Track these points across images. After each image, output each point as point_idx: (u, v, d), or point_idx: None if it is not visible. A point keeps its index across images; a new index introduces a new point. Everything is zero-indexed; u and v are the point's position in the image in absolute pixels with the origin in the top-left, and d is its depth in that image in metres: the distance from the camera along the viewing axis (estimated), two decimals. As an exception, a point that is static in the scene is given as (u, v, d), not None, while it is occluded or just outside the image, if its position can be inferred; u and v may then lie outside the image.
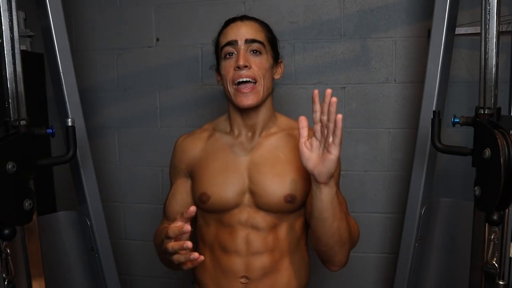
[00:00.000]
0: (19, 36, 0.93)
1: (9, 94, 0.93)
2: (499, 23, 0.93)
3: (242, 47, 1.04)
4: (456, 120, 1.02)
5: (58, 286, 1.38)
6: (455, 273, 1.36)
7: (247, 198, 1.06)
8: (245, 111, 1.08)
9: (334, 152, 0.86)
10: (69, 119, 1.06)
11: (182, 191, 1.15)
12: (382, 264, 1.83)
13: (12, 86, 0.93)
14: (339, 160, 1.09)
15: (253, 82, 1.03)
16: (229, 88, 1.06)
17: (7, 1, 0.90)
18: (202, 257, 0.87)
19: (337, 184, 1.10)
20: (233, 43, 1.04)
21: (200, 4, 1.84)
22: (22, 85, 0.94)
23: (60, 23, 1.34)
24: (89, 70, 1.97)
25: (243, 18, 1.09)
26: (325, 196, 0.91)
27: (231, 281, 1.06)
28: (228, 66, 1.05)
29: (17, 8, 0.92)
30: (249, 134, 1.11)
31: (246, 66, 1.02)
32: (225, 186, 1.06)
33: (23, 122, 0.94)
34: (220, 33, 1.10)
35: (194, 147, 1.15)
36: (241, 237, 1.05)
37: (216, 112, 1.81)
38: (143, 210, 2.01)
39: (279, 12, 1.77)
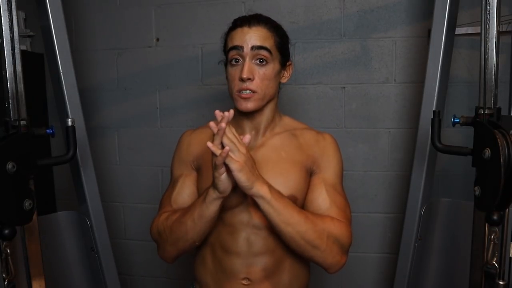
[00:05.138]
0: (19, 36, 0.93)
1: (9, 94, 0.93)
2: (499, 23, 0.93)
3: (248, 56, 1.02)
4: (456, 120, 1.02)
5: (58, 286, 1.38)
6: (455, 273, 1.36)
7: (249, 196, 1.01)
8: (249, 113, 1.07)
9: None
10: (69, 119, 1.06)
11: (190, 184, 1.12)
12: (382, 264, 1.83)
13: (12, 86, 0.93)
14: (337, 159, 1.12)
15: (253, 92, 1.03)
16: (233, 94, 1.05)
17: (7, 1, 0.90)
18: (232, 111, 0.88)
19: (336, 184, 1.10)
20: (239, 48, 1.02)
21: (200, 4, 1.84)
22: (22, 85, 0.94)
23: (60, 23, 1.34)
24: (89, 70, 1.97)
25: (252, 22, 1.05)
26: (260, 207, 0.95)
27: (233, 283, 1.04)
28: (233, 73, 1.04)
29: (17, 8, 0.92)
30: (253, 132, 1.10)
31: (249, 79, 1.01)
32: None
33: (23, 122, 0.94)
34: (228, 33, 1.08)
35: (201, 142, 1.12)
36: (242, 237, 1.04)
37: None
38: (143, 210, 2.00)
39: (279, 12, 1.77)
